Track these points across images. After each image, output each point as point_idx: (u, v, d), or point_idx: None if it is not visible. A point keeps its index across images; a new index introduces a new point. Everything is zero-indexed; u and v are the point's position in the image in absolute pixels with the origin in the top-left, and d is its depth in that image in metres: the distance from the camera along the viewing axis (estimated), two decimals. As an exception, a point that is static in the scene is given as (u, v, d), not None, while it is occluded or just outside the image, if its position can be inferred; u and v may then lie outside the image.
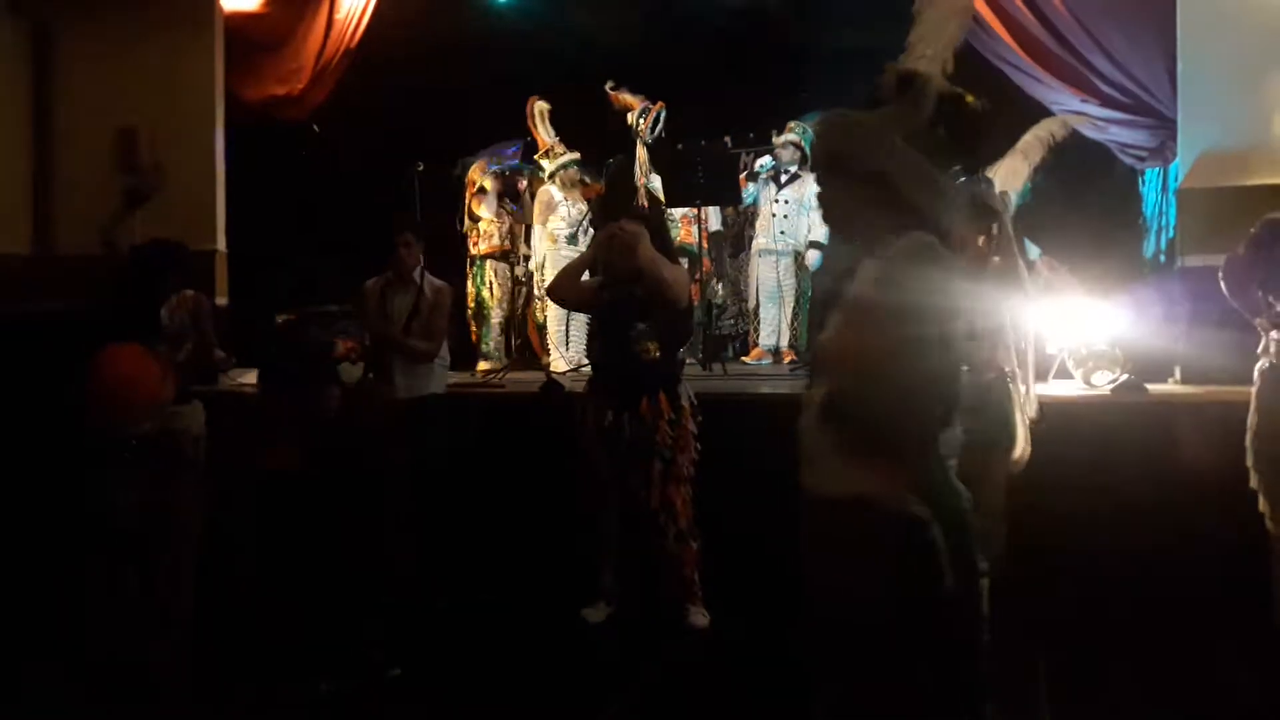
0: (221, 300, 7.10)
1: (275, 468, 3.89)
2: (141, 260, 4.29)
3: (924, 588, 2.02)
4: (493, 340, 7.60)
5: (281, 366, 4.14)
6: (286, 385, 4.11)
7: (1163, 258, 6.81)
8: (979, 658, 2.08)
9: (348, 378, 4.41)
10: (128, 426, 3.76)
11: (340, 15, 7.78)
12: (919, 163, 2.12)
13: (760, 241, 7.57)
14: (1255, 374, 3.69)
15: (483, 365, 7.46)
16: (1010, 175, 4.81)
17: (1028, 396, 4.08)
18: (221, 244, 7.38)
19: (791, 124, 7.56)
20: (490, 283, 7.61)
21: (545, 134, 7.47)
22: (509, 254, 7.65)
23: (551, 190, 7.39)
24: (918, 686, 2.03)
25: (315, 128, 8.13)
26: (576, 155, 7.45)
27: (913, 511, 2.05)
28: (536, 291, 7.60)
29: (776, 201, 7.49)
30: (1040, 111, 6.59)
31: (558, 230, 7.31)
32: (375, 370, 4.64)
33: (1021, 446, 4.03)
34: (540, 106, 7.47)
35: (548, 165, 7.43)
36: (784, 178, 7.53)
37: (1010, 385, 4.06)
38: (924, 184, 2.11)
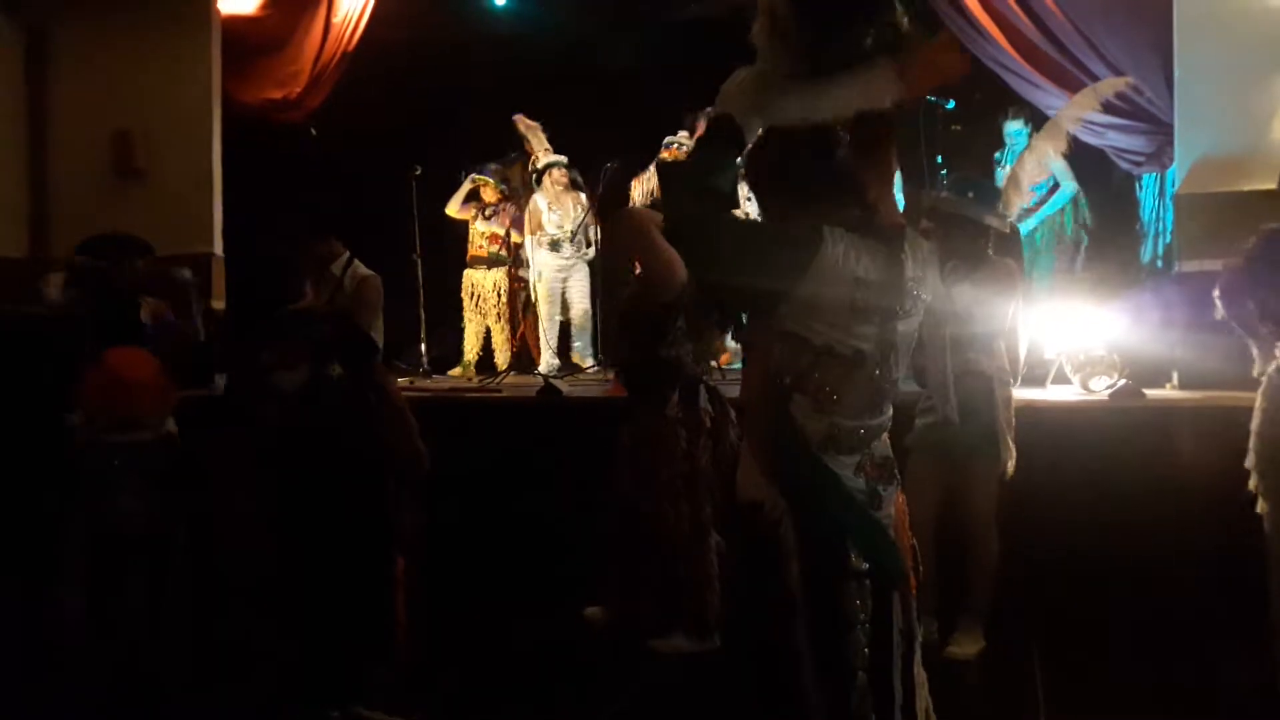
0: (218, 304, 7.09)
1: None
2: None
3: (763, 579, 2.01)
4: (468, 346, 7.69)
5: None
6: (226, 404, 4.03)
7: (1160, 263, 6.80)
8: (842, 673, 2.01)
9: (289, 384, 3.99)
10: (137, 432, 3.74)
11: (338, 18, 7.76)
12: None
13: None
14: (1264, 378, 3.67)
15: (453, 371, 7.59)
16: (1043, 162, 4.78)
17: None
18: (218, 248, 7.36)
19: None
20: (465, 291, 7.71)
21: (537, 145, 7.53)
22: (483, 260, 7.70)
23: (537, 199, 7.47)
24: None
25: (312, 131, 8.11)
26: (561, 159, 7.48)
27: (754, 496, 2.06)
28: (534, 297, 7.62)
29: (749, 200, 7.45)
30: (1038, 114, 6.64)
31: (544, 238, 7.39)
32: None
33: (1006, 455, 4.03)
34: (527, 123, 7.54)
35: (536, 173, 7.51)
36: None
37: (999, 392, 4.05)
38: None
